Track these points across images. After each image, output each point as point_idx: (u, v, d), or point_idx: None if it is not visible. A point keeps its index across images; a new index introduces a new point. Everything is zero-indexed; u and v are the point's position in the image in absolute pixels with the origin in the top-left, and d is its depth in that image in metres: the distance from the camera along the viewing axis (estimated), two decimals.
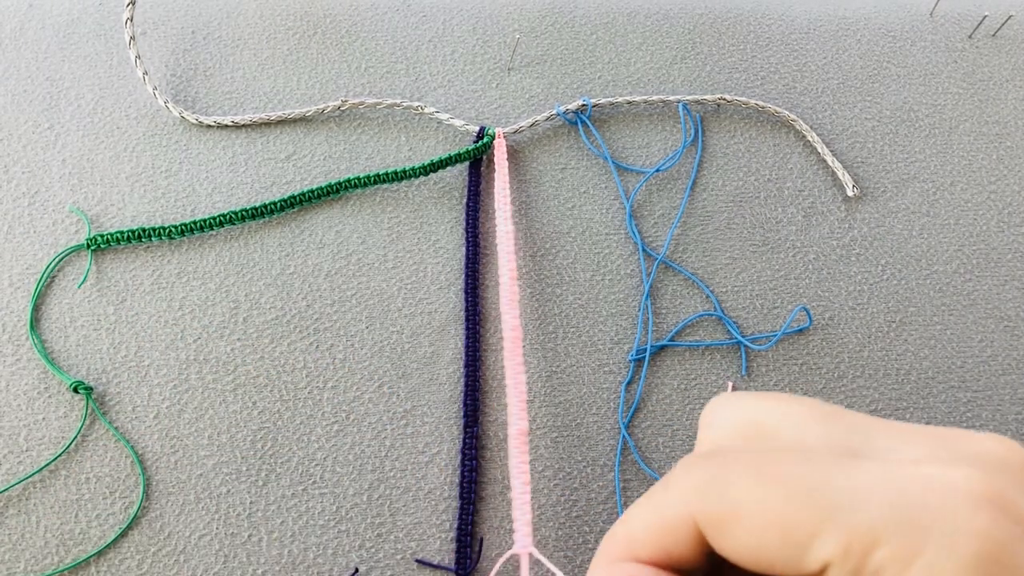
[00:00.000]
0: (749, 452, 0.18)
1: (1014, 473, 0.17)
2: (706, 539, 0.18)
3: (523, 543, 0.28)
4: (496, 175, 0.39)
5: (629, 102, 0.42)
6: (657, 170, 0.41)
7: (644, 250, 0.39)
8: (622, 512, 0.35)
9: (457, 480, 0.35)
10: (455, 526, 0.34)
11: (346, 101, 0.41)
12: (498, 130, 0.40)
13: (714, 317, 0.39)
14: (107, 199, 0.39)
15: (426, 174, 0.39)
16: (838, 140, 0.43)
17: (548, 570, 0.34)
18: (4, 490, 0.34)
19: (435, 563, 0.34)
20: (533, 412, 0.37)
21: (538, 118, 0.41)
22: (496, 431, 0.36)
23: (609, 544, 0.20)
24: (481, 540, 0.34)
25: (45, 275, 0.37)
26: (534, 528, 0.35)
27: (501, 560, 0.31)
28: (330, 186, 0.39)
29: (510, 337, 0.35)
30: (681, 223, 0.40)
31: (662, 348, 0.38)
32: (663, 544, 0.19)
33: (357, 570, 0.33)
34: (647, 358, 0.38)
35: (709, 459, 0.18)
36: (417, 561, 0.34)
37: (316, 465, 0.35)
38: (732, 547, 0.17)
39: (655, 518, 0.19)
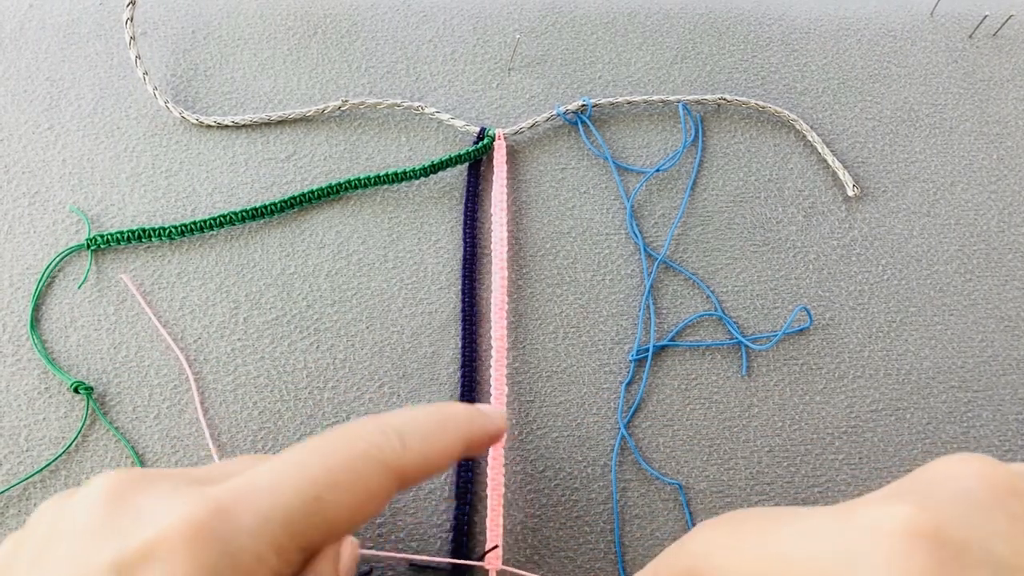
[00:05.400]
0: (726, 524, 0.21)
1: (969, 496, 0.17)
2: None
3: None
4: (495, 177, 0.39)
5: (629, 102, 0.42)
6: (657, 170, 0.41)
7: (645, 250, 0.39)
8: (618, 513, 0.35)
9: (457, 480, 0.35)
10: (453, 527, 0.34)
11: (347, 101, 0.41)
12: (498, 131, 0.40)
13: (714, 317, 0.39)
14: (107, 199, 0.39)
15: (426, 175, 0.39)
16: (838, 140, 0.43)
17: (549, 567, 0.34)
18: (4, 490, 0.34)
19: (431, 565, 0.34)
20: (533, 412, 0.37)
21: (538, 119, 0.41)
22: None
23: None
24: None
25: (45, 275, 0.37)
26: (534, 528, 0.35)
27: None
28: (330, 187, 0.39)
29: (496, 347, 0.36)
30: (681, 223, 0.40)
31: (662, 348, 0.38)
32: None
33: (371, 569, 0.33)
34: (649, 358, 0.38)
35: (714, 525, 0.22)
36: (411, 566, 0.34)
37: None
38: None
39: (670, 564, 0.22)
